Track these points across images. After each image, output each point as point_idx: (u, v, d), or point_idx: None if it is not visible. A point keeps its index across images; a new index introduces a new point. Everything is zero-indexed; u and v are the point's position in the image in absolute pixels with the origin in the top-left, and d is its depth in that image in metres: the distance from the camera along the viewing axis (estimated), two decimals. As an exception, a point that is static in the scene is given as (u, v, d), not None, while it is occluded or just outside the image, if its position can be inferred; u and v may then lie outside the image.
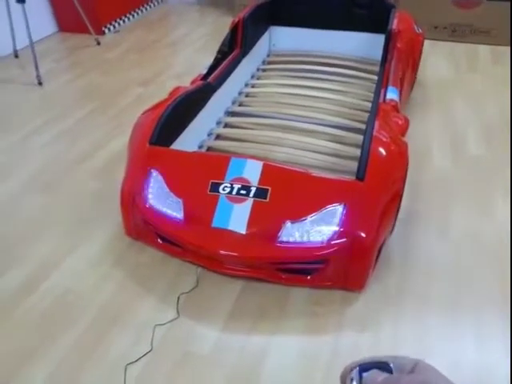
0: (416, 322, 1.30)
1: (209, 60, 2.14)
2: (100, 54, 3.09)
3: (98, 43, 3.21)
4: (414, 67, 2.23)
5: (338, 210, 1.29)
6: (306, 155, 1.84)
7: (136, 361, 1.21)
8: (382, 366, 0.34)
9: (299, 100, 2.17)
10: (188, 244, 1.33)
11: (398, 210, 1.50)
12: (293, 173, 1.36)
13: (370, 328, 1.29)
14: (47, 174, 1.92)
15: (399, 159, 1.39)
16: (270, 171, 1.37)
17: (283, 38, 2.71)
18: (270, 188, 1.33)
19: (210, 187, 1.36)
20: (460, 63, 2.83)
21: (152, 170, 1.44)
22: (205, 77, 1.95)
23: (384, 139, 1.42)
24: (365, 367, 0.33)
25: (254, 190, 1.33)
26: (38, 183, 1.87)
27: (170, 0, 4.16)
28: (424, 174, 1.88)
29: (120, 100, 2.49)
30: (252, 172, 1.36)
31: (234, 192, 1.34)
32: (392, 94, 1.77)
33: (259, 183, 1.34)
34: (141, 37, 3.38)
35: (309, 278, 1.35)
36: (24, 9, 2.53)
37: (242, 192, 1.33)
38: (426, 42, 2.45)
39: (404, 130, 1.57)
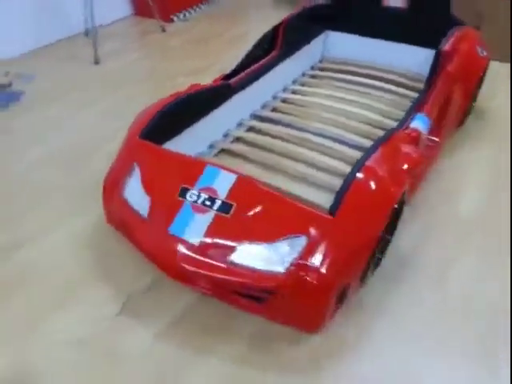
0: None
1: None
2: (162, 41, 3.18)
3: (163, 30, 3.30)
4: (468, 95, 1.95)
5: (298, 240, 1.16)
6: (315, 174, 1.72)
7: (60, 344, 1.21)
8: None
9: (335, 115, 2.02)
10: (138, 243, 1.30)
11: (378, 256, 1.33)
12: (263, 192, 1.26)
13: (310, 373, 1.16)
14: (77, 148, 2.02)
15: (386, 199, 1.21)
16: (241, 186, 1.27)
17: (339, 44, 2.54)
18: (235, 204, 1.24)
19: (179, 191, 1.31)
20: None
21: (135, 164, 1.43)
22: (228, 77, 1.89)
23: (377, 173, 1.25)
24: None
25: (219, 203, 1.25)
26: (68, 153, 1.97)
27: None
28: (440, 216, 1.65)
29: (163, 87, 2.53)
30: (223, 184, 1.28)
31: (200, 201, 1.27)
32: (419, 123, 1.56)
33: (226, 197, 1.26)
34: (206, 28, 3.41)
35: (263, 308, 1.24)
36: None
37: (207, 203, 1.26)
38: (505, 68, 2.14)
39: (414, 164, 1.38)
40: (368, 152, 1.33)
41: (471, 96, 1.98)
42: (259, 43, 2.06)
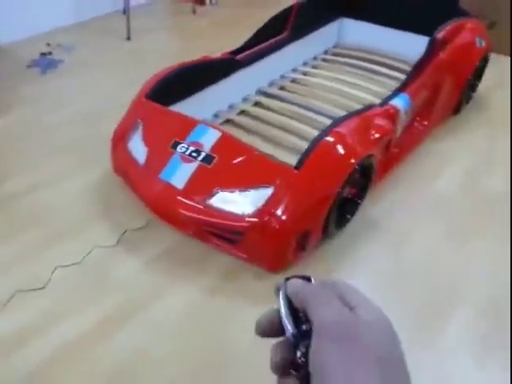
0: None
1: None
2: (190, 22, 3.40)
3: (194, 12, 3.51)
4: (462, 83, 2.04)
5: (266, 190, 1.34)
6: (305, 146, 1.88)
7: (66, 266, 1.45)
8: (306, 278, 0.38)
9: (338, 96, 2.16)
10: (135, 187, 1.52)
11: (347, 216, 1.49)
12: (242, 148, 1.44)
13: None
14: (99, 110, 2.27)
15: (346, 160, 1.37)
16: (224, 142, 1.47)
17: (353, 31, 2.66)
18: (216, 156, 1.44)
19: (172, 143, 1.52)
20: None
21: (139, 120, 1.64)
22: (235, 52, 2.07)
23: (342, 136, 1.41)
24: (289, 278, 0.38)
25: (203, 154, 1.45)
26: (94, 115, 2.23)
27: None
28: (416, 192, 1.77)
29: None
30: (209, 139, 1.48)
31: (187, 153, 1.47)
32: (398, 101, 1.68)
33: (210, 150, 1.46)
34: (235, 12, 3.59)
35: (234, 248, 1.43)
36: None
37: (194, 154, 1.46)
38: None
39: (384, 134, 1.52)
40: (339, 119, 1.48)
41: (465, 85, 2.06)
42: (269, 24, 2.22)
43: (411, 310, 1.36)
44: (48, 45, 2.94)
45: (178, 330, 1.30)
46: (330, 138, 1.39)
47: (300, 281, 0.37)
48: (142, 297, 1.38)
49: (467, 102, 2.23)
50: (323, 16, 2.51)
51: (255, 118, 2.09)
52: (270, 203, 1.32)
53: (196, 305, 1.36)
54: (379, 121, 1.55)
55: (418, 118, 1.97)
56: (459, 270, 1.48)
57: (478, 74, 2.19)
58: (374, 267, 1.49)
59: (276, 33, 2.27)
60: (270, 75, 2.33)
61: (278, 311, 0.37)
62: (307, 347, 0.33)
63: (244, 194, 1.37)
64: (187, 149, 1.48)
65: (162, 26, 3.34)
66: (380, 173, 1.77)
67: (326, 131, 1.41)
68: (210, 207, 1.38)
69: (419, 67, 1.82)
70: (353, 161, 1.38)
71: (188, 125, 1.54)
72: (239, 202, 1.36)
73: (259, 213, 1.32)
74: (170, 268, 1.47)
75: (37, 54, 2.83)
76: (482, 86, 2.41)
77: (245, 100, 2.22)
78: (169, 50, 2.95)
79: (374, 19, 2.51)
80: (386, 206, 1.71)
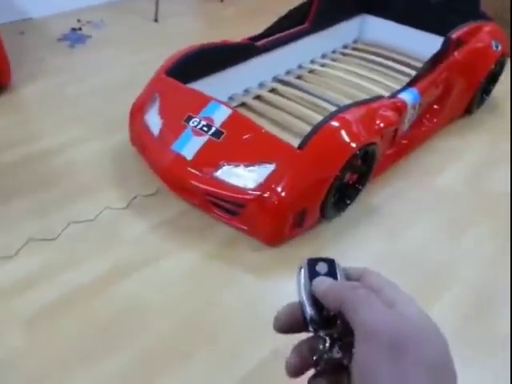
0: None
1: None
2: (217, 10, 3.48)
3: (222, 0, 3.59)
4: (475, 85, 2.07)
5: (269, 166, 1.42)
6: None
7: (78, 222, 1.56)
8: (329, 262, 0.36)
9: (351, 88, 2.21)
10: (148, 156, 1.61)
11: (346, 201, 1.56)
12: (249, 125, 1.52)
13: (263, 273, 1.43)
14: (121, 84, 2.38)
15: (347, 145, 1.43)
16: (233, 119, 1.54)
17: (374, 28, 2.70)
18: (225, 131, 1.52)
19: (185, 117, 1.60)
20: None
21: (156, 94, 1.74)
22: (254, 39, 2.15)
23: (345, 122, 1.47)
24: (312, 261, 0.36)
25: (213, 129, 1.54)
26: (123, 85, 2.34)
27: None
28: (417, 185, 1.82)
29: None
30: (220, 115, 1.56)
31: (199, 127, 1.56)
32: (407, 95, 1.73)
33: (220, 126, 1.54)
34: (261, 2, 3.65)
35: (235, 219, 1.52)
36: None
37: (204, 128, 1.55)
38: None
39: (388, 123, 1.58)
40: (345, 106, 1.55)
41: (478, 87, 2.09)
42: (290, 14, 2.29)
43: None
44: (78, 21, 3.07)
45: (175, 287, 1.39)
46: (333, 123, 1.45)
47: (328, 280, 0.35)
48: (145, 256, 1.47)
49: (480, 105, 2.26)
50: (345, 11, 2.56)
51: (269, 103, 2.17)
52: (271, 179, 1.40)
53: (194, 268, 1.45)
54: (385, 111, 1.60)
55: (427, 115, 2.01)
56: (448, 260, 1.54)
57: (493, 77, 2.21)
58: (367, 250, 1.55)
59: (296, 23, 2.33)
60: (287, 64, 2.39)
61: (299, 302, 0.35)
62: (332, 339, 0.32)
63: (248, 168, 1.44)
64: (199, 123, 1.57)
65: (189, 12, 3.43)
66: (385, 163, 1.83)
67: (331, 116, 1.48)
68: (216, 179, 1.47)
69: (431, 64, 1.86)
70: (354, 146, 1.44)
71: (202, 101, 1.62)
72: (243, 176, 1.44)
73: (260, 187, 1.40)
74: (174, 233, 1.56)
75: (67, 28, 2.95)
76: (498, 90, 2.43)
77: (261, 85, 2.29)
78: (193, 34, 3.04)
79: (396, 17, 2.55)
80: (387, 195, 1.77)
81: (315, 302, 0.34)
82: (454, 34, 1.94)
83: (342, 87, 2.25)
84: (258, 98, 2.24)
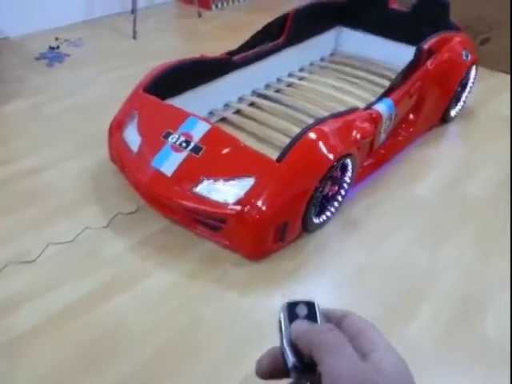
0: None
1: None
2: (195, 25, 3.51)
3: (200, 15, 3.63)
4: (448, 94, 2.13)
5: (248, 180, 1.43)
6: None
7: (57, 243, 1.54)
8: (309, 304, 0.35)
9: (329, 100, 2.24)
10: (128, 173, 1.61)
11: (329, 209, 1.58)
12: (228, 140, 1.53)
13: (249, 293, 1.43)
14: (99, 102, 2.37)
15: (325, 157, 1.45)
16: (212, 134, 1.55)
17: (350, 40, 2.76)
18: (204, 147, 1.52)
19: (163, 134, 1.61)
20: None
21: (135, 111, 1.74)
22: (231, 53, 2.17)
23: (322, 134, 1.49)
24: (292, 304, 0.35)
25: (192, 145, 1.54)
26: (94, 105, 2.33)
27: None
28: (396, 195, 1.85)
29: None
30: (199, 130, 1.57)
31: (178, 142, 1.56)
32: (382, 106, 1.77)
33: (199, 141, 1.54)
34: (239, 17, 3.70)
35: (216, 235, 1.51)
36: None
37: (183, 144, 1.55)
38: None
39: (364, 135, 1.61)
40: (322, 119, 1.57)
41: (452, 95, 2.14)
42: (266, 29, 2.32)
43: (378, 304, 1.43)
44: (57, 39, 3.06)
45: (157, 307, 1.37)
46: (311, 135, 1.47)
47: (305, 323, 0.34)
48: (127, 275, 1.46)
49: (454, 114, 2.32)
50: (320, 24, 2.61)
51: (249, 117, 2.18)
52: (251, 193, 1.40)
53: (176, 286, 1.44)
54: (361, 123, 1.63)
55: (403, 125, 2.06)
56: (429, 269, 1.56)
57: (465, 85, 2.28)
58: (347, 262, 1.56)
59: (272, 37, 2.37)
60: (265, 78, 2.42)
61: (280, 345, 0.34)
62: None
63: (228, 183, 1.45)
64: (178, 139, 1.57)
65: (167, 28, 3.45)
66: (363, 174, 1.86)
67: (308, 128, 1.50)
68: (196, 194, 1.47)
69: (404, 75, 1.91)
70: (331, 157, 1.46)
71: (180, 116, 1.63)
72: (223, 191, 1.45)
73: (240, 202, 1.41)
74: (155, 251, 1.55)
75: (46, 47, 2.94)
76: (473, 99, 2.50)
77: (240, 100, 2.31)
78: (171, 50, 3.05)
79: (371, 29, 2.61)
80: (365, 205, 1.79)
81: (296, 346, 0.33)
82: (426, 44, 1.99)
83: (319, 100, 2.28)
84: (237, 112, 2.26)
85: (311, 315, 0.35)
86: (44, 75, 2.65)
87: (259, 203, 1.39)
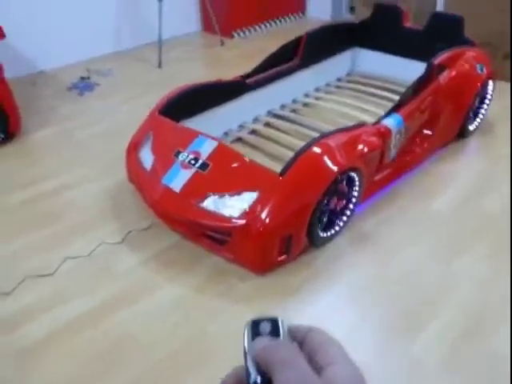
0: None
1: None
2: (217, 53, 3.66)
3: (222, 44, 3.78)
4: (463, 107, 2.10)
5: (252, 194, 1.46)
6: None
7: (74, 257, 1.62)
8: (272, 321, 0.36)
9: (345, 119, 2.26)
10: (141, 190, 1.68)
11: (338, 223, 1.58)
12: (233, 156, 1.58)
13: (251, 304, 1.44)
14: (124, 128, 2.50)
15: (328, 170, 1.47)
16: (219, 151, 1.61)
17: (366, 60, 2.79)
18: (211, 163, 1.58)
19: (174, 152, 1.68)
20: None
21: (150, 133, 1.83)
22: (245, 76, 2.25)
23: (326, 148, 1.51)
24: (256, 321, 0.36)
25: (200, 162, 1.60)
26: (114, 132, 2.47)
27: (309, 14, 4.51)
28: (412, 210, 1.82)
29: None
30: (206, 148, 1.63)
31: (187, 160, 1.63)
32: (391, 121, 1.77)
33: (207, 158, 1.60)
34: (259, 45, 3.81)
35: (223, 249, 1.54)
36: (161, 7, 3.23)
37: (192, 162, 1.61)
38: None
39: (371, 148, 1.61)
40: (329, 132, 1.60)
41: (466, 109, 2.11)
42: (279, 51, 2.39)
43: (386, 320, 1.40)
44: (87, 70, 3.27)
45: (164, 319, 1.41)
46: (314, 148, 1.50)
47: (265, 340, 0.34)
48: (136, 289, 1.51)
49: (472, 129, 2.27)
50: (334, 46, 2.66)
51: (264, 136, 2.23)
52: (255, 207, 1.43)
53: (183, 299, 1.47)
54: (367, 137, 1.64)
55: (417, 140, 2.04)
56: (440, 284, 1.51)
57: (482, 99, 2.24)
58: (356, 277, 1.54)
59: (286, 60, 2.43)
60: (281, 98, 2.48)
61: (244, 363, 0.34)
62: None
63: (233, 197, 1.49)
64: (187, 157, 1.64)
65: (191, 57, 3.61)
66: (374, 188, 1.85)
67: (311, 142, 1.52)
68: (202, 209, 1.51)
69: (414, 90, 1.91)
70: (334, 171, 1.48)
71: (190, 136, 1.70)
72: (228, 205, 1.48)
73: (245, 215, 1.44)
74: (165, 266, 1.59)
75: (77, 78, 3.16)
76: (494, 114, 2.45)
77: (255, 120, 2.37)
78: (194, 76, 3.15)
79: (386, 48, 2.64)
80: (377, 220, 1.78)
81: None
82: (436, 60, 1.99)
83: (335, 118, 2.31)
84: (253, 132, 2.32)
85: (274, 331, 0.36)
86: (75, 103, 2.83)
87: (262, 216, 1.41)
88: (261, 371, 0.33)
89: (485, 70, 2.12)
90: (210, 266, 1.58)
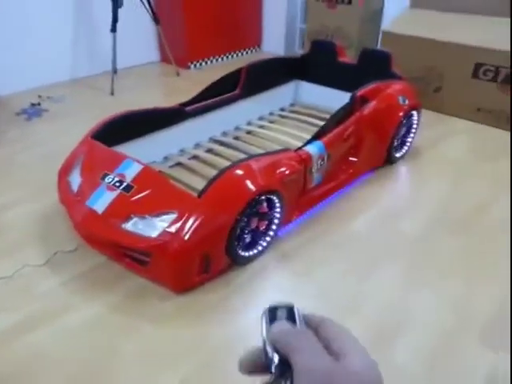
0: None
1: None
2: (172, 83, 3.77)
3: (178, 74, 3.90)
4: (386, 137, 2.24)
5: (171, 215, 1.51)
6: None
7: (-6, 279, 1.61)
8: (288, 308, 0.38)
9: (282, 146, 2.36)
10: (68, 212, 1.71)
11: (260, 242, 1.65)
12: (156, 179, 1.64)
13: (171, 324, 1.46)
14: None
15: (245, 191, 1.54)
16: (143, 174, 1.66)
17: (307, 92, 2.95)
18: (135, 186, 1.63)
19: (101, 175, 1.72)
20: (478, 150, 2.65)
21: (81, 156, 1.87)
22: (184, 104, 2.34)
23: (245, 170, 1.59)
24: (273, 307, 0.39)
25: (124, 184, 1.65)
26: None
27: (264, 48, 4.73)
28: (331, 232, 1.91)
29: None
30: (132, 171, 1.68)
31: (112, 182, 1.67)
32: (313, 148, 1.87)
33: (131, 180, 1.65)
34: (215, 76, 3.95)
35: (144, 269, 1.57)
36: (115, 37, 3.34)
37: (117, 184, 1.66)
38: (461, 123, 2.64)
39: (290, 171, 1.71)
40: (252, 156, 1.69)
41: (388, 138, 2.25)
42: (221, 81, 2.51)
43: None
44: (39, 96, 3.31)
45: (76, 338, 1.41)
46: (234, 170, 1.57)
47: (284, 324, 0.37)
48: (52, 309, 1.51)
49: (398, 156, 2.41)
50: (275, 79, 2.81)
51: (205, 162, 2.31)
52: (173, 226, 1.48)
53: (98, 319, 1.48)
54: (288, 161, 1.73)
55: (343, 166, 2.15)
56: (355, 298, 1.58)
57: (408, 129, 2.40)
58: (275, 295, 1.60)
59: (227, 90, 2.55)
60: (223, 126, 2.58)
61: (263, 346, 0.36)
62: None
63: (153, 218, 1.53)
64: (113, 179, 1.68)
65: (144, 85, 3.71)
66: (301, 211, 1.94)
67: (234, 164, 1.60)
68: (124, 230, 1.54)
69: (336, 119, 2.03)
70: (250, 192, 1.55)
71: (117, 159, 1.75)
72: (149, 226, 1.52)
73: (162, 235, 1.48)
74: (86, 286, 1.61)
75: (28, 103, 3.18)
76: (424, 142, 2.62)
77: (197, 146, 2.45)
78: (145, 104, 3.26)
79: (322, 81, 2.81)
80: (300, 240, 1.85)
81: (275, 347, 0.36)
82: (359, 92, 2.14)
83: (274, 146, 2.40)
84: (194, 157, 2.39)
85: (290, 318, 0.38)
86: (21, 128, 2.85)
87: (180, 235, 1.46)
88: (279, 354, 0.35)
89: (407, 101, 2.28)
90: (131, 287, 1.60)
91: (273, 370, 0.35)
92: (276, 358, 0.35)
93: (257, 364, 0.36)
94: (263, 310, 0.39)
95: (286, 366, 0.34)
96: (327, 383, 0.30)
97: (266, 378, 0.36)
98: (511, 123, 2.84)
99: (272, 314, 0.39)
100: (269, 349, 0.36)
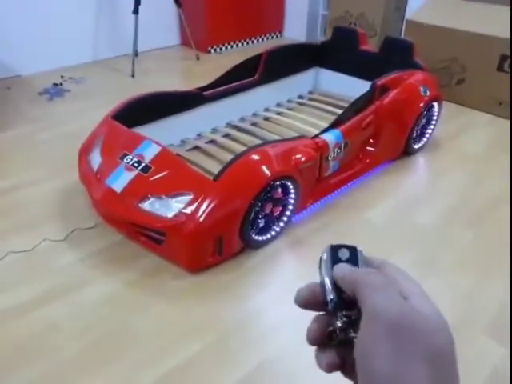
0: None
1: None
2: (192, 66, 3.78)
3: (198, 58, 3.91)
4: (405, 127, 2.21)
5: (187, 196, 1.54)
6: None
7: (16, 252, 1.67)
8: (351, 249, 0.37)
9: (300, 133, 2.36)
10: (88, 191, 1.75)
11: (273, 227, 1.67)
12: (173, 160, 1.67)
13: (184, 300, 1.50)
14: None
15: (260, 176, 1.56)
16: (161, 155, 1.69)
17: (327, 79, 2.92)
18: (153, 167, 1.66)
19: (120, 155, 1.75)
20: (498, 143, 2.60)
21: (101, 136, 1.91)
22: (203, 88, 2.35)
23: (261, 155, 1.60)
24: (335, 246, 0.38)
25: (143, 165, 1.68)
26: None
27: (286, 34, 4.68)
28: (346, 220, 1.92)
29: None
30: (150, 152, 1.71)
31: (131, 163, 1.70)
32: (330, 136, 1.87)
33: (149, 161, 1.68)
34: (233, 61, 3.95)
35: (160, 248, 1.61)
36: (137, 19, 3.35)
37: (135, 164, 1.69)
38: (482, 116, 2.61)
39: (306, 158, 1.71)
40: (267, 142, 1.70)
41: (408, 129, 2.23)
42: (240, 66, 2.50)
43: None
44: (61, 77, 3.36)
45: (89, 313, 1.46)
46: (247, 156, 1.59)
47: (348, 266, 0.36)
48: (69, 284, 1.56)
49: (417, 147, 2.39)
50: (296, 64, 2.79)
51: (222, 147, 2.32)
52: (188, 207, 1.51)
53: (112, 295, 1.52)
54: (304, 148, 1.74)
55: (360, 155, 2.15)
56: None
57: (428, 120, 2.37)
58: (284, 279, 1.62)
59: (246, 75, 2.55)
60: (240, 111, 2.58)
61: (320, 283, 0.36)
62: (349, 320, 0.34)
63: (169, 199, 1.56)
64: (131, 159, 1.71)
65: (165, 68, 3.72)
66: (315, 198, 1.94)
67: (250, 149, 1.62)
68: (140, 209, 1.58)
69: (355, 108, 2.02)
70: (267, 177, 1.56)
71: (136, 140, 1.78)
72: (164, 206, 1.56)
73: (178, 215, 1.51)
74: (102, 263, 1.65)
75: (50, 84, 3.24)
76: (443, 134, 2.58)
77: (214, 131, 2.47)
78: (164, 86, 3.27)
79: (343, 69, 2.77)
80: (314, 227, 1.86)
81: (336, 284, 0.35)
82: (380, 81, 2.12)
83: (291, 133, 2.40)
84: (211, 142, 2.40)
85: (352, 259, 0.37)
86: (43, 108, 2.91)
87: (195, 217, 1.49)
88: (338, 293, 0.35)
89: (428, 92, 2.25)
90: (146, 265, 1.65)
91: (330, 306, 0.35)
92: (334, 297, 0.35)
93: (314, 298, 0.36)
94: (324, 248, 0.38)
95: (344, 304, 0.34)
96: (401, 322, 0.30)
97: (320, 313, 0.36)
98: (511, 114, 2.77)
99: (334, 252, 0.38)
100: (329, 285, 0.35)
